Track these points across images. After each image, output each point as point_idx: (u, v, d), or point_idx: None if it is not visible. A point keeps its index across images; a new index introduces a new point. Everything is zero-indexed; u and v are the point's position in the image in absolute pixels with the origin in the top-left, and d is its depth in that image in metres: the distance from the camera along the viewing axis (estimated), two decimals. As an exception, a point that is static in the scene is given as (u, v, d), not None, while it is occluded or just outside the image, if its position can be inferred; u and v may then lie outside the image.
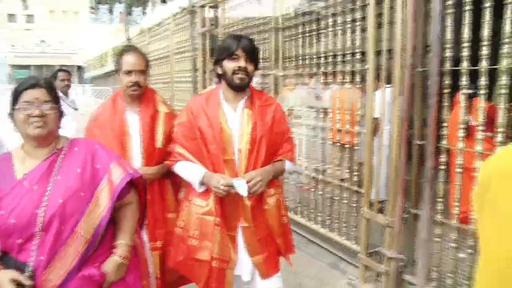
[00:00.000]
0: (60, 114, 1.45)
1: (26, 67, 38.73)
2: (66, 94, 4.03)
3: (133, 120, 2.05)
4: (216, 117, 1.74)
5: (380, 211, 2.65)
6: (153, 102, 2.09)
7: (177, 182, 2.12)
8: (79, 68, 36.67)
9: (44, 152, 1.41)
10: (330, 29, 3.01)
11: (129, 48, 2.10)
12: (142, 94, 2.07)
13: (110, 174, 1.42)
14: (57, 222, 1.31)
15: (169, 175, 2.07)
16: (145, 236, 1.97)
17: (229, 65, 1.72)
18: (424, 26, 2.32)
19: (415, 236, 2.47)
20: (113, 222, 1.48)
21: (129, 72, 1.99)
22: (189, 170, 1.79)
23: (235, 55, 1.71)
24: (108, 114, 2.06)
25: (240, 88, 1.76)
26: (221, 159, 1.71)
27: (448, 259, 2.33)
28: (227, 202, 1.73)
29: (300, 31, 3.32)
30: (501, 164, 1.66)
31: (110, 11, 40.85)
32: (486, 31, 2.03)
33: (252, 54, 1.73)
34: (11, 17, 41.54)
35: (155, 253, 2.04)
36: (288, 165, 1.86)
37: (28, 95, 1.37)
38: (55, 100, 1.42)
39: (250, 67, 1.74)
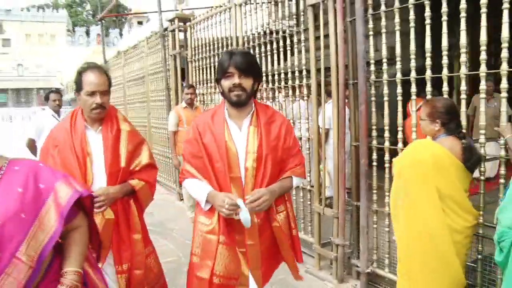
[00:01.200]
0: None
1: (4, 90, 38.03)
2: (57, 113, 4.29)
3: (95, 140, 1.97)
4: (221, 134, 1.71)
5: (329, 206, 3.01)
6: (115, 120, 2.03)
7: (141, 202, 2.06)
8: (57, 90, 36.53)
9: None
10: (282, 49, 3.42)
11: (90, 65, 1.95)
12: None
13: (56, 193, 1.28)
14: None
15: (132, 195, 2.01)
16: (110, 259, 1.91)
17: (225, 84, 1.69)
18: (355, 46, 2.74)
19: (358, 225, 2.83)
20: (60, 250, 1.35)
21: (92, 93, 1.89)
22: (195, 187, 1.76)
23: (228, 73, 1.67)
24: (67, 134, 1.95)
25: (238, 104, 1.71)
26: (227, 177, 1.68)
27: (384, 241, 2.69)
28: (232, 220, 1.67)
29: (259, 51, 3.72)
30: (410, 156, 2.07)
31: (87, 33, 41.00)
32: (399, 50, 2.46)
33: (246, 69, 1.67)
34: None
35: (122, 276, 1.94)
36: (295, 181, 1.81)
37: None
38: None
39: (247, 82, 1.68)
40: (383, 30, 2.50)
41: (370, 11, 2.61)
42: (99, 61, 9.13)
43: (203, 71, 4.82)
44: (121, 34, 37.77)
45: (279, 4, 3.38)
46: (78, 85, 1.91)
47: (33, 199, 1.24)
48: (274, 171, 1.73)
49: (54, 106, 4.28)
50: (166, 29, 5.44)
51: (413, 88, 2.41)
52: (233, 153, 1.68)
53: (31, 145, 4.00)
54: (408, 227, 2.01)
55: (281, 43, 3.41)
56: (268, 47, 3.57)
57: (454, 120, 2.05)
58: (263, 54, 3.65)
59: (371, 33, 2.61)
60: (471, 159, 2.00)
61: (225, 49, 4.28)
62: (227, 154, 1.68)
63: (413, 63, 2.37)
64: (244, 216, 1.58)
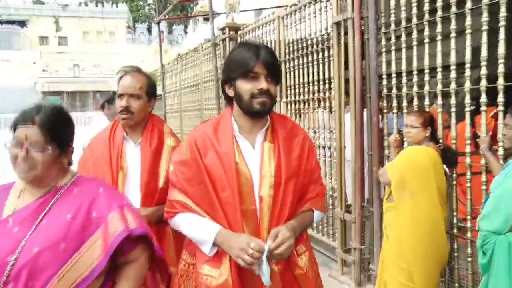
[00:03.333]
0: (63, 151, 1.52)
1: (58, 93, 43.27)
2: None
3: (133, 153, 2.15)
4: (230, 154, 1.66)
5: (349, 211, 4.06)
6: (158, 133, 2.20)
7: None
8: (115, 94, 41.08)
9: (39, 191, 1.48)
10: (315, 62, 4.59)
11: (129, 68, 2.22)
12: (145, 123, 2.22)
13: (106, 226, 1.43)
14: (25, 275, 1.31)
15: None
16: None
17: (245, 86, 1.63)
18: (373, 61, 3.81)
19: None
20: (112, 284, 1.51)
21: (120, 96, 2.14)
22: (195, 225, 1.68)
23: (253, 73, 1.61)
24: (104, 145, 2.15)
25: (261, 115, 1.70)
26: (238, 210, 1.61)
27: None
28: (245, 270, 1.59)
29: (297, 62, 4.93)
30: (411, 161, 3.12)
31: (149, 30, 45.33)
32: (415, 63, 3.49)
33: (274, 70, 1.65)
34: (43, 39, 46.15)
35: None
36: (317, 216, 1.81)
37: (19, 131, 1.45)
38: (52, 139, 1.47)
39: (273, 88, 1.66)
40: (403, 45, 3.53)
41: (383, 29, 3.67)
42: (163, 61, 11.04)
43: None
44: (185, 31, 41.29)
45: (313, 20, 4.58)
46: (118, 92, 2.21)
47: (80, 228, 1.40)
48: (295, 199, 1.72)
49: (108, 115, 5.83)
50: (216, 39, 6.95)
51: (427, 101, 3.41)
52: (246, 179, 1.64)
53: None
54: (412, 224, 3.00)
55: (315, 56, 4.59)
56: (305, 60, 4.77)
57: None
58: (300, 66, 4.86)
59: (383, 50, 3.67)
60: (452, 158, 2.99)
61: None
62: (238, 180, 1.63)
63: (427, 77, 3.38)
64: (265, 269, 1.51)
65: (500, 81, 2.73)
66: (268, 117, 1.79)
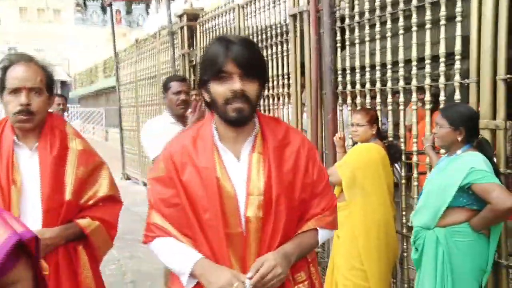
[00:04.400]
0: None
1: None
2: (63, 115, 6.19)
3: (28, 162, 2.03)
4: (210, 168, 1.64)
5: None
6: (58, 135, 2.09)
7: (95, 250, 2.14)
8: (63, 84, 40.37)
9: None
10: (274, 55, 5.00)
11: (18, 57, 2.04)
12: (42, 124, 2.06)
13: None
14: None
15: (82, 239, 2.09)
16: None
17: (218, 89, 1.59)
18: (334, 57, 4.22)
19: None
20: None
21: (15, 91, 1.96)
22: (172, 253, 1.68)
23: (224, 73, 1.57)
24: None
25: (238, 124, 1.65)
26: (222, 234, 1.60)
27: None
28: None
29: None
30: (361, 158, 3.56)
31: (103, 9, 44.20)
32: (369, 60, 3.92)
33: (251, 67, 1.58)
34: None
35: None
36: (322, 235, 1.77)
37: None
38: None
39: (252, 88, 1.60)
40: (357, 40, 3.95)
41: (338, 23, 4.09)
42: (118, 47, 11.14)
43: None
44: (147, 12, 40.97)
45: (271, 10, 4.98)
46: (1, 83, 2.00)
47: None
48: (290, 220, 1.68)
49: (58, 110, 6.18)
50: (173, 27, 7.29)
51: (378, 99, 3.84)
52: (230, 197, 1.62)
53: None
54: (365, 222, 3.42)
55: (274, 49, 4.99)
56: (266, 52, 5.17)
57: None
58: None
59: (338, 44, 4.09)
60: (396, 153, 3.44)
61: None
62: (221, 199, 1.61)
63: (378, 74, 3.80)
64: None
65: (427, 81, 3.20)
66: (256, 122, 1.73)
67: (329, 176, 1.88)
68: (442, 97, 3.20)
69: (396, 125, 3.78)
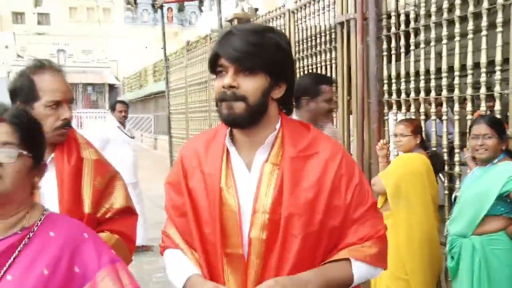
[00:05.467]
0: (36, 165, 1.51)
1: None
2: (123, 124, 6.88)
3: (45, 175, 2.02)
4: (214, 176, 1.65)
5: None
6: (74, 146, 2.20)
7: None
8: (111, 88, 42.14)
9: (0, 226, 1.43)
10: (322, 63, 5.57)
11: (45, 64, 2.15)
12: None
13: (95, 286, 1.42)
14: None
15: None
16: None
17: (215, 86, 1.63)
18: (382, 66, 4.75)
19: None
20: None
21: (56, 104, 2.08)
22: (173, 267, 1.75)
23: (219, 67, 1.60)
24: None
25: (232, 125, 1.64)
26: (220, 253, 1.61)
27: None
28: None
29: (307, 62, 5.91)
30: (406, 169, 4.13)
31: (154, 7, 45.67)
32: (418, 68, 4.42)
33: (249, 59, 1.56)
34: (18, 16, 44.49)
35: None
36: (360, 270, 1.63)
37: None
38: (25, 144, 1.46)
39: (249, 84, 1.57)
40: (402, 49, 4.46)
41: (384, 32, 4.61)
42: (170, 47, 11.86)
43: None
44: (200, 9, 41.84)
45: (321, 17, 5.55)
46: (30, 94, 2.06)
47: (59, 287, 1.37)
48: (307, 249, 1.60)
49: (120, 117, 6.83)
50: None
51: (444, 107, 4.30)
52: (231, 212, 1.62)
53: None
54: (409, 233, 3.90)
55: (323, 57, 5.56)
56: (314, 60, 5.75)
57: None
58: (310, 67, 5.84)
59: (385, 53, 4.61)
60: (437, 163, 3.91)
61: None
62: (221, 213, 1.62)
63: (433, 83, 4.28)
64: None
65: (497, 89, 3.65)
66: (277, 127, 1.68)
67: (373, 193, 1.77)
68: (497, 106, 3.64)
69: (463, 134, 4.11)
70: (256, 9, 8.37)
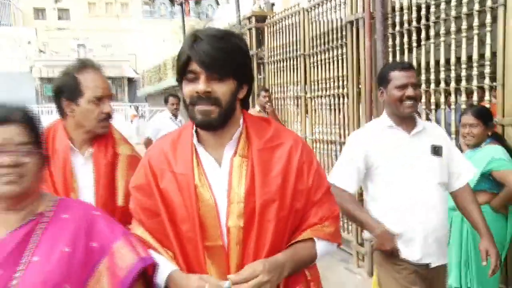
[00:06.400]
0: (44, 161, 1.61)
1: None
2: (175, 116, 7.61)
3: (83, 168, 2.27)
4: (187, 175, 1.74)
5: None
6: (111, 141, 2.35)
7: None
8: (130, 81, 42.38)
9: (16, 217, 1.55)
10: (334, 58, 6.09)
11: (87, 63, 2.36)
12: None
13: (112, 258, 1.55)
14: None
15: None
16: None
17: (185, 90, 1.70)
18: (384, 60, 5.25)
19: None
20: None
21: (99, 99, 2.28)
22: None
23: (190, 72, 1.67)
24: None
25: (206, 127, 1.74)
26: (200, 247, 1.71)
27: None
28: None
29: (319, 58, 6.43)
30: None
31: (171, 0, 46.30)
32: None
33: (221, 65, 1.65)
34: (39, 12, 45.39)
35: None
36: (321, 247, 1.83)
37: None
38: (37, 141, 1.59)
39: (222, 89, 1.68)
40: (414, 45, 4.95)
41: (390, 30, 5.11)
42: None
43: (279, 73, 7.70)
44: (217, 2, 42.01)
45: (333, 15, 6.06)
46: (74, 90, 2.27)
47: (81, 263, 1.51)
48: (280, 232, 1.75)
49: (172, 109, 7.62)
50: (242, 28, 8.51)
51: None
52: (209, 205, 1.72)
53: (148, 144, 7.26)
54: None
55: (335, 52, 6.07)
56: (326, 55, 6.26)
57: None
58: (322, 61, 6.35)
59: (390, 49, 5.11)
60: None
61: (294, 53, 7.10)
62: (198, 208, 1.71)
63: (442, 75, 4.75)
64: None
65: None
66: (241, 123, 1.81)
67: (330, 184, 1.98)
68: (475, 97, 4.16)
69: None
70: (273, 4, 8.86)
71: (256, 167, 1.74)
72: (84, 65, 2.34)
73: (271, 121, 1.92)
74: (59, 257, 1.48)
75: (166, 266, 1.74)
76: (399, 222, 2.92)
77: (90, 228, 1.59)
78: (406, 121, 3.01)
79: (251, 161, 1.75)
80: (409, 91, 2.90)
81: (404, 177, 2.93)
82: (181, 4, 11.91)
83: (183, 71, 1.70)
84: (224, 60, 1.66)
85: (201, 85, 1.64)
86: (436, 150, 2.99)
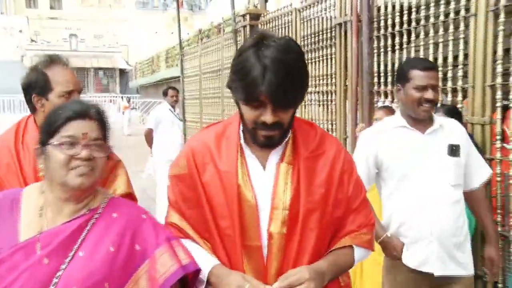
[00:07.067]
0: (107, 157, 1.71)
1: None
2: (173, 107, 8.05)
3: None
4: (230, 173, 1.77)
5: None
6: None
7: None
8: (122, 72, 42.23)
9: (73, 209, 1.62)
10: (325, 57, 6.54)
11: (53, 59, 2.41)
12: None
13: (153, 263, 1.59)
14: None
15: None
16: None
17: (248, 114, 1.71)
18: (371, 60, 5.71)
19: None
20: None
21: (68, 94, 2.34)
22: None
23: (255, 101, 1.66)
24: (10, 154, 2.28)
25: (267, 148, 1.80)
26: (238, 245, 1.74)
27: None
28: None
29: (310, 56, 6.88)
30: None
31: None
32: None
33: (288, 101, 1.68)
34: (31, 1, 45.89)
35: None
36: (359, 254, 1.89)
37: (73, 128, 1.60)
38: (105, 137, 1.71)
39: (286, 116, 1.71)
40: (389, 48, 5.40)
41: (375, 33, 5.56)
42: (185, 34, 12.86)
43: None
44: None
45: (323, 17, 6.50)
46: (44, 86, 2.32)
47: (124, 264, 1.56)
48: (322, 239, 1.80)
49: (172, 101, 8.09)
50: (237, 25, 8.93)
51: None
52: (250, 207, 1.75)
53: (149, 134, 7.68)
54: None
55: (325, 51, 6.52)
56: (316, 54, 6.70)
57: None
58: (313, 60, 6.80)
59: (375, 51, 5.56)
60: None
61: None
62: (240, 208, 1.74)
63: None
64: None
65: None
66: (289, 130, 1.82)
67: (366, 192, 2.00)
68: (448, 97, 4.63)
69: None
70: (266, 1, 9.28)
71: (302, 175, 1.77)
72: (52, 60, 2.40)
73: (315, 126, 1.97)
74: (103, 255, 1.53)
75: (208, 259, 1.78)
76: (406, 223, 2.88)
77: (136, 230, 1.64)
78: (424, 120, 2.91)
79: (298, 169, 1.78)
80: (429, 94, 2.78)
81: (414, 177, 2.85)
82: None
83: (248, 96, 1.68)
84: (293, 94, 1.69)
85: (269, 117, 1.67)
86: (454, 150, 2.87)
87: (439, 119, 3.00)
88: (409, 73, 2.86)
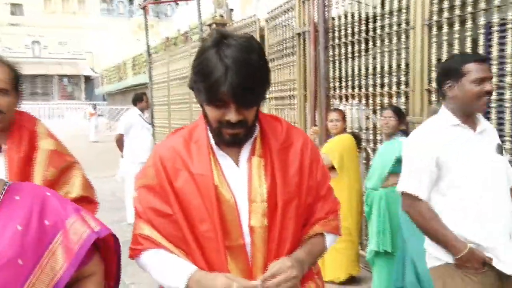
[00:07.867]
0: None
1: None
2: (143, 112, 8.40)
3: None
4: (206, 175, 1.77)
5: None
6: (27, 136, 2.31)
7: None
8: (87, 79, 41.71)
9: None
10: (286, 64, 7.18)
11: None
12: (10, 124, 2.28)
13: (65, 233, 1.61)
14: None
15: None
16: None
17: (212, 113, 1.73)
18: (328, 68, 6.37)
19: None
20: None
21: None
22: (164, 266, 1.80)
23: (218, 101, 1.67)
24: None
25: (233, 145, 1.81)
26: (221, 246, 1.73)
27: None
28: None
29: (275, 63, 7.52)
30: (345, 147, 5.79)
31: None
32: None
33: (251, 100, 1.71)
34: None
35: None
36: (329, 240, 1.94)
37: None
38: None
39: (250, 114, 1.74)
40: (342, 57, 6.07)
41: (331, 42, 6.22)
42: (152, 41, 13.17)
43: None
44: (176, 3, 42.44)
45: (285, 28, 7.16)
46: None
47: (35, 240, 1.57)
48: (298, 226, 1.85)
49: (145, 106, 8.42)
50: (203, 32, 9.51)
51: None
52: (230, 206, 1.76)
53: (119, 139, 8.02)
54: (349, 195, 5.38)
55: (286, 59, 7.17)
56: (280, 61, 7.35)
57: None
58: (277, 66, 7.44)
59: (331, 59, 6.23)
60: (358, 142, 5.60)
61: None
62: (219, 208, 1.74)
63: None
64: None
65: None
66: (256, 124, 1.84)
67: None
68: (394, 100, 5.31)
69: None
70: (231, 10, 9.90)
71: (276, 167, 1.80)
72: None
73: (280, 119, 2.00)
74: (11, 235, 1.53)
75: (185, 266, 1.75)
76: (481, 231, 2.72)
77: (43, 207, 1.63)
78: (472, 118, 2.82)
79: (271, 161, 1.81)
80: (489, 86, 2.71)
81: (475, 178, 2.73)
82: (144, 8, 12.74)
83: (210, 95, 1.67)
84: (256, 93, 1.71)
85: (233, 116, 1.67)
86: (501, 149, 2.84)
87: (483, 119, 2.92)
88: (463, 68, 2.75)
